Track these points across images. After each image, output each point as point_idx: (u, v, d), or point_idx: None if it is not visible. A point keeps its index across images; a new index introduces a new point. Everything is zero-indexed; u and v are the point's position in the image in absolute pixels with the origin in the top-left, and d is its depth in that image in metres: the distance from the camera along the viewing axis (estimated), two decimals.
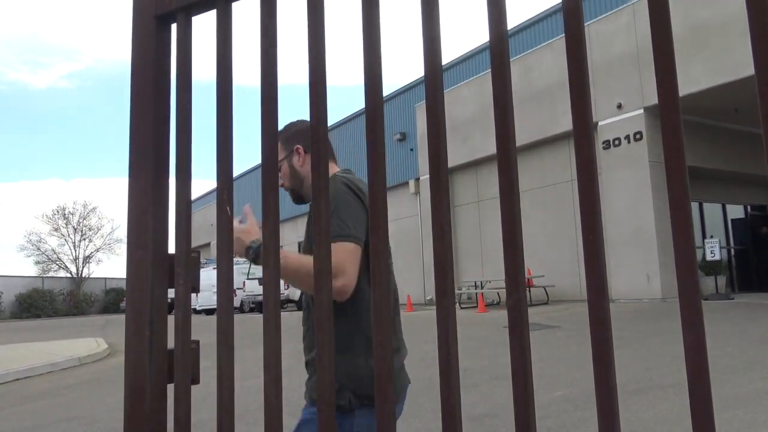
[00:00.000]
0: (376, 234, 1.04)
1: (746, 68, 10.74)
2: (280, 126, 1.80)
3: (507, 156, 0.93)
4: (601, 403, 0.80)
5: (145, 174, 1.21)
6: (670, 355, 6.50)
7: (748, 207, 17.21)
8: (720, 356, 6.29)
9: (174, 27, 1.29)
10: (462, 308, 15.17)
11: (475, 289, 16.31)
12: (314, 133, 1.11)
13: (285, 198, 1.90)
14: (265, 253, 1.14)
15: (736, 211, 16.93)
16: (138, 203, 1.21)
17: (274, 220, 1.14)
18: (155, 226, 1.20)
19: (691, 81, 11.86)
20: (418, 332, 10.81)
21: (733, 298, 12.52)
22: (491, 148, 15.73)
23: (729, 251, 16.33)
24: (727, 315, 9.84)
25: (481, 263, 17.46)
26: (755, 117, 10.50)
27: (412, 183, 20.43)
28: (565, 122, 14.35)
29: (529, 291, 14.50)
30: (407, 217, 20.62)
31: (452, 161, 18.16)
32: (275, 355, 1.09)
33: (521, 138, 15.47)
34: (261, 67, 1.23)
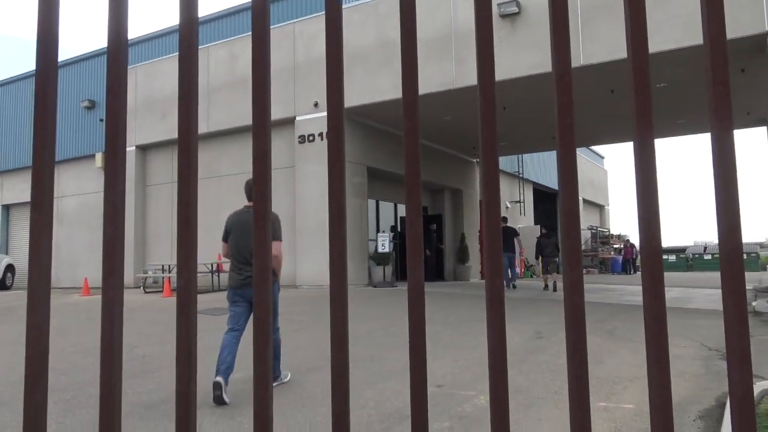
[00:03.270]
0: (38, 210, 0.96)
1: (423, 85, 12.42)
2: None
3: (187, 140, 0.95)
4: (257, 379, 0.88)
5: None
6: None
7: None
8: (383, 336, 7.19)
9: None
10: (147, 293, 14.40)
11: (162, 272, 15.62)
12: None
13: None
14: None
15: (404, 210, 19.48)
16: None
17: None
18: None
19: (378, 91, 13.29)
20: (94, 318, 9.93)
21: (396, 286, 14.40)
22: None
23: (397, 245, 18.71)
24: (391, 300, 11.29)
25: (171, 246, 16.80)
26: (423, 130, 12.29)
27: (99, 156, 18.59)
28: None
29: (218, 275, 14.45)
30: (92, 193, 18.69)
31: (148, 138, 17.14)
32: None
33: (225, 122, 15.39)
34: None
